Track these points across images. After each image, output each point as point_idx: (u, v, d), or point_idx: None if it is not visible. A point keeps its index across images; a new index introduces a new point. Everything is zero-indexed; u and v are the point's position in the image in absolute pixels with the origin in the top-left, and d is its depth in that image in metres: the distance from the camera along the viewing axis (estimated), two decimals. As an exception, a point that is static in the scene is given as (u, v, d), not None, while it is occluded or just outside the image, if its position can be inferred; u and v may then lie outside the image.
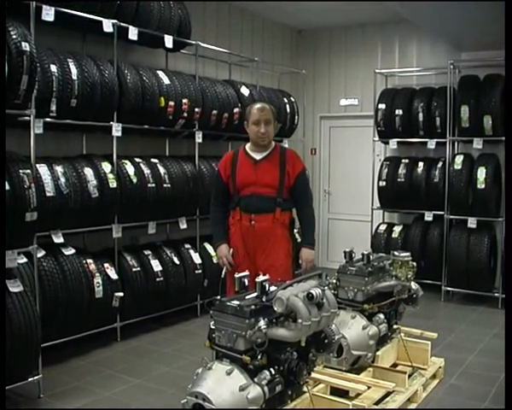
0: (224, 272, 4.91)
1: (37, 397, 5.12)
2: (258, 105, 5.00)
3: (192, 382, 3.52)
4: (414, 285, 5.34)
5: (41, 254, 5.68)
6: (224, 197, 5.11)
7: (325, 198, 11.34)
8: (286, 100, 9.69)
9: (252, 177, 4.93)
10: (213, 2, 9.13)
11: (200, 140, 7.68)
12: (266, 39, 10.57)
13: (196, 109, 7.47)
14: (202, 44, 7.98)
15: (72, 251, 6.00)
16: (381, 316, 5.11)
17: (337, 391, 4.48)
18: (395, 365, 5.38)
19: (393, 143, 9.35)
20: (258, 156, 5.00)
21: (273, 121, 4.98)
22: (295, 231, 5.23)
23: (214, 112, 7.88)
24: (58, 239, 5.83)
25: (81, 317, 5.95)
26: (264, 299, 3.56)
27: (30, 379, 5.03)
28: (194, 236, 7.68)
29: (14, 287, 4.79)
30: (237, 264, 4.91)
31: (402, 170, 9.18)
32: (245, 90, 8.56)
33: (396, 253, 5.31)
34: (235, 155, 5.12)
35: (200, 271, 7.41)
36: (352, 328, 4.89)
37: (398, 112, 9.22)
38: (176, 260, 7.13)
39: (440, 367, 5.53)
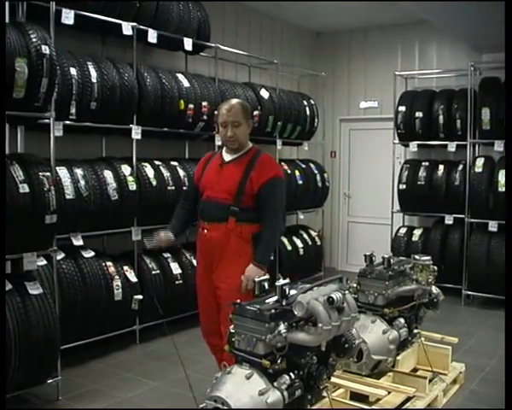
0: (149, 243, 4.62)
1: (56, 399, 5.12)
2: (226, 105, 4.45)
3: (211, 386, 3.50)
4: (435, 289, 5.29)
5: (60, 256, 5.69)
6: (193, 199, 4.65)
7: (345, 201, 11.29)
8: (305, 103, 9.67)
9: (212, 179, 4.45)
10: (232, 4, 9.12)
11: (220, 143, 7.65)
12: (285, 42, 10.55)
13: (215, 112, 7.43)
14: (222, 47, 7.97)
15: (92, 254, 6.01)
16: (402, 320, 5.07)
17: (357, 396, 4.45)
18: (415, 369, 5.34)
19: (413, 145, 9.29)
20: (227, 158, 4.50)
21: (245, 122, 4.42)
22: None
23: (234, 115, 7.84)
24: (77, 242, 5.85)
25: (100, 319, 5.96)
26: (284, 303, 3.53)
27: (49, 381, 5.05)
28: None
29: (34, 289, 4.80)
30: (197, 275, 4.63)
31: (422, 173, 9.12)
32: (264, 93, 8.53)
33: (417, 256, 5.27)
34: (211, 156, 4.70)
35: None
36: (373, 332, 4.85)
37: (419, 114, 9.16)
38: (195, 263, 7.11)
39: (461, 373, 5.47)
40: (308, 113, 9.66)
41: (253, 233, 4.31)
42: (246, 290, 4.12)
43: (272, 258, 4.63)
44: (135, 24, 6.48)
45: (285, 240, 9.04)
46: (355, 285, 5.07)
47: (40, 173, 4.74)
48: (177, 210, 4.77)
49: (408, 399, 4.73)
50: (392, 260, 5.22)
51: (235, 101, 4.56)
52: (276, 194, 4.38)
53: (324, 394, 3.86)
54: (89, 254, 6.00)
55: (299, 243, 9.32)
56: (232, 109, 4.39)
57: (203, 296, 4.54)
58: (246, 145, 4.50)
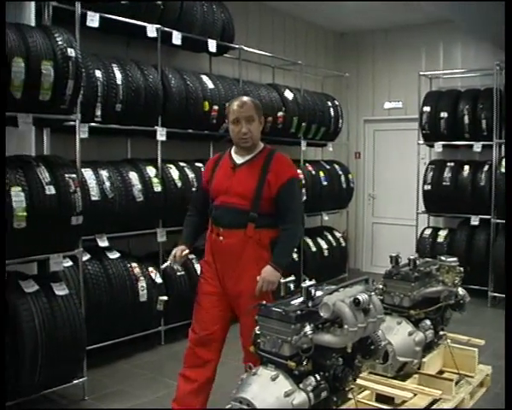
0: (164, 265, 4.43)
1: (82, 399, 5.17)
2: (237, 101, 4.20)
3: (236, 387, 3.50)
4: (461, 291, 5.24)
5: (86, 257, 5.73)
6: (202, 205, 4.39)
7: (369, 202, 11.25)
8: (330, 103, 9.65)
9: (225, 184, 4.16)
10: (256, 5, 9.13)
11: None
12: (309, 43, 10.53)
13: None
14: (246, 48, 7.97)
15: (117, 255, 6.04)
16: (428, 322, 5.02)
17: (382, 398, 4.42)
18: (441, 372, 5.29)
19: (438, 146, 9.23)
20: (239, 160, 4.21)
21: (257, 118, 4.18)
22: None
23: (258, 116, 7.84)
24: (103, 243, 5.88)
25: (125, 320, 5.98)
26: (309, 304, 3.52)
27: (75, 382, 5.09)
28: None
29: (60, 290, 4.84)
30: (202, 282, 4.29)
31: (447, 173, 9.05)
32: (289, 94, 8.53)
33: (443, 258, 5.23)
34: (219, 158, 4.39)
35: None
36: (398, 334, 4.81)
37: (443, 114, 9.10)
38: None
39: (488, 375, 5.41)
40: (332, 114, 9.64)
41: (272, 239, 4.10)
42: (260, 293, 3.95)
43: (291, 260, 4.34)
44: (159, 26, 6.51)
45: (309, 241, 9.04)
46: (381, 287, 5.03)
47: (66, 175, 4.78)
48: (187, 218, 4.49)
49: (434, 401, 4.69)
50: (417, 262, 5.18)
51: (245, 97, 4.36)
52: (295, 196, 4.20)
53: (350, 395, 3.83)
54: (114, 255, 6.03)
55: (324, 245, 9.30)
56: (244, 105, 4.14)
57: (210, 304, 4.20)
58: (258, 145, 4.25)
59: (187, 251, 4.25)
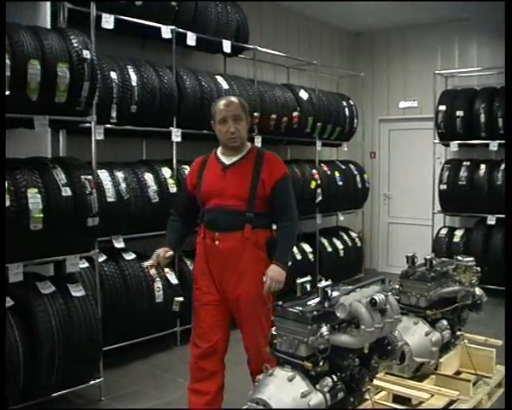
0: (148, 263, 4.16)
1: (99, 400, 5.20)
2: (223, 100, 4.12)
3: (252, 388, 3.49)
4: (478, 291, 5.20)
5: (102, 258, 5.75)
6: (186, 210, 4.30)
7: (385, 202, 11.21)
8: (345, 103, 9.64)
9: (217, 186, 4.05)
10: (270, 5, 9.13)
11: (260, 145, 7.67)
12: (324, 42, 10.52)
13: (255, 114, 7.46)
14: (260, 49, 7.96)
15: (133, 256, 6.06)
16: (445, 322, 4.99)
17: (399, 399, 4.39)
18: (458, 372, 5.24)
19: (454, 145, 9.18)
20: (228, 161, 4.11)
21: (245, 117, 4.11)
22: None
23: (273, 116, 7.87)
24: (119, 244, 5.90)
25: (141, 321, 6.00)
26: (326, 305, 3.51)
27: (91, 382, 5.12)
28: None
29: (76, 291, 4.87)
30: (198, 292, 4.18)
31: (463, 173, 9.00)
32: (304, 94, 8.52)
33: (459, 257, 5.18)
34: (204, 161, 4.24)
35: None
36: (415, 334, 4.77)
37: (459, 113, 9.05)
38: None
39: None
40: (347, 113, 9.62)
41: (267, 239, 4.08)
42: (269, 292, 3.96)
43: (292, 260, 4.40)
44: (174, 27, 6.53)
45: (325, 241, 9.04)
46: (397, 287, 5.01)
47: (82, 177, 4.81)
48: (170, 222, 4.34)
49: (451, 402, 4.66)
50: (434, 262, 5.14)
51: (232, 97, 4.27)
52: (290, 192, 4.15)
53: (366, 396, 3.81)
54: (130, 256, 6.05)
55: (340, 245, 9.29)
56: (231, 104, 4.07)
57: (208, 315, 4.10)
58: (245, 144, 4.18)
59: (171, 253, 4.12)
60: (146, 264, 4.22)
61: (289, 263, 4.17)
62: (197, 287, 4.18)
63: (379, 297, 3.44)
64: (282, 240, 4.11)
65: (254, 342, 4.03)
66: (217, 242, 4.01)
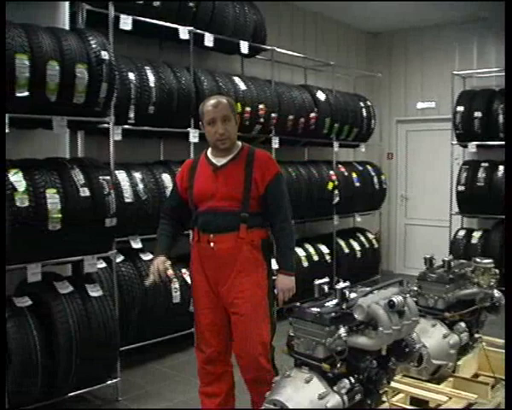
0: (149, 281, 4.13)
1: (115, 400, 5.22)
2: (211, 101, 4.02)
3: (270, 389, 3.49)
4: (496, 293, 5.16)
5: (120, 259, 5.77)
6: (177, 214, 4.25)
7: (402, 203, 11.17)
8: (362, 104, 9.61)
9: (210, 188, 3.97)
10: (287, 6, 9.12)
11: (277, 145, 7.66)
12: (341, 43, 10.50)
13: (273, 115, 7.47)
14: (278, 49, 7.96)
15: (150, 256, 6.05)
16: (463, 324, 4.96)
17: (416, 401, 4.37)
18: (476, 375, 5.21)
19: (472, 146, 9.11)
20: (219, 162, 4.03)
21: (233, 117, 4.03)
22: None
23: (290, 117, 7.86)
24: (136, 245, 5.92)
25: (158, 321, 6.01)
26: (344, 306, 3.50)
27: (108, 382, 5.14)
28: (271, 242, 7.66)
29: (94, 291, 4.88)
30: (196, 297, 4.14)
31: (481, 174, 8.94)
32: (321, 95, 8.51)
33: (478, 259, 5.15)
34: (194, 163, 4.19)
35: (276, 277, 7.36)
36: (433, 337, 4.74)
37: (477, 114, 8.98)
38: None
39: (525, 378, 5.33)
40: (365, 114, 9.59)
41: (263, 239, 4.03)
42: (283, 303, 3.96)
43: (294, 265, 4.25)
44: (192, 28, 6.53)
45: (342, 243, 9.00)
46: (415, 289, 4.98)
47: (100, 177, 4.83)
48: (161, 227, 4.28)
49: (469, 405, 4.63)
50: (452, 263, 5.12)
51: (220, 96, 4.18)
52: (283, 192, 4.07)
53: (384, 398, 3.80)
54: (147, 256, 6.06)
55: (357, 246, 9.25)
56: (219, 105, 3.97)
57: (207, 320, 4.06)
58: (236, 144, 4.10)
59: (169, 262, 4.09)
60: (148, 283, 4.20)
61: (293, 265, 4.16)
62: (194, 292, 4.16)
63: (397, 299, 3.43)
64: (282, 244, 4.07)
65: (248, 348, 3.93)
66: (212, 243, 3.94)
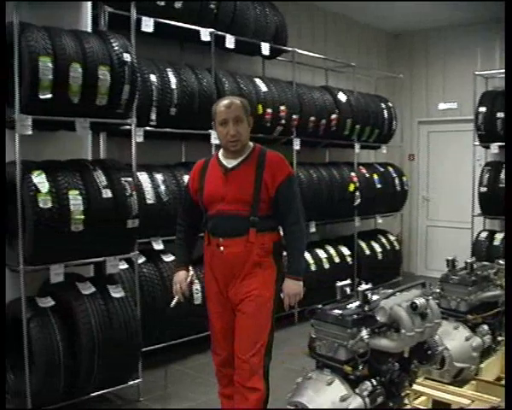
0: (174, 302, 4.07)
1: (137, 400, 5.23)
2: (224, 101, 3.94)
3: (291, 391, 3.49)
4: (520, 294, 5.13)
5: (141, 260, 5.80)
6: (191, 217, 4.15)
7: (424, 205, 11.11)
8: (383, 105, 9.57)
9: (219, 191, 3.89)
10: (308, 7, 9.11)
11: (298, 147, 7.66)
12: (362, 44, 10.46)
13: (294, 116, 7.46)
14: (299, 51, 7.96)
15: (172, 258, 6.08)
16: (485, 327, 4.93)
17: (439, 404, 4.35)
18: (499, 378, 5.17)
19: (495, 147, 9.02)
20: (230, 164, 3.93)
21: (246, 119, 3.92)
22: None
23: (312, 118, 7.85)
24: (158, 246, 5.93)
25: (179, 323, 6.01)
26: (366, 308, 3.49)
27: (130, 383, 5.15)
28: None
29: (116, 292, 4.90)
30: (208, 300, 4.14)
31: (504, 175, 8.86)
32: (342, 96, 8.49)
33: (501, 261, 5.12)
34: (205, 165, 4.08)
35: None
36: (455, 339, 4.73)
37: (500, 115, 8.90)
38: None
39: (548, 381, 5.28)
40: (386, 115, 9.55)
41: (274, 242, 3.91)
42: (289, 308, 3.90)
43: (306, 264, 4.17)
44: (213, 30, 6.55)
45: (363, 244, 8.98)
46: (438, 291, 4.96)
47: (122, 179, 4.84)
48: (177, 235, 4.23)
49: (493, 408, 4.59)
50: (475, 265, 5.09)
51: (233, 97, 4.09)
52: (295, 194, 3.93)
53: (406, 401, 3.79)
54: (169, 258, 6.08)
55: (378, 248, 9.22)
56: (232, 105, 3.88)
57: (222, 321, 4.02)
58: (247, 145, 3.98)
59: (189, 277, 4.09)
60: (173, 304, 4.09)
61: (303, 270, 4.01)
62: (207, 295, 4.15)
63: (419, 301, 3.42)
64: (291, 248, 3.93)
65: (243, 348, 3.83)
66: (221, 247, 3.87)
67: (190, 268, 4.19)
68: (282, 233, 4.02)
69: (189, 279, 4.06)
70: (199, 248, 6.76)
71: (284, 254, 4.00)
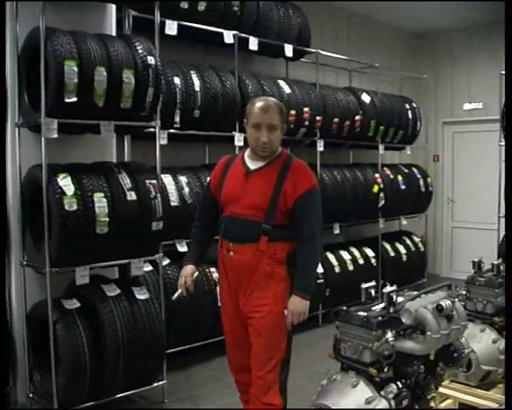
0: (176, 295, 3.93)
1: (162, 402, 5.25)
2: (260, 103, 3.68)
3: (316, 393, 3.48)
4: (548, 297, 5.07)
5: (166, 262, 5.81)
6: (210, 214, 3.98)
7: (449, 206, 11.03)
8: (407, 106, 9.51)
9: (236, 192, 3.71)
10: (331, 8, 9.09)
11: (322, 148, 7.64)
12: (385, 44, 10.40)
13: (317, 118, 7.45)
14: (322, 52, 7.94)
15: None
16: (513, 329, 4.88)
17: (465, 407, 4.31)
18: (527, 381, 5.12)
19: (521, 147, 8.96)
20: (253, 166, 3.75)
21: (280, 126, 3.71)
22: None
23: (335, 120, 7.83)
24: (182, 248, 5.94)
25: (203, 324, 6.02)
26: (391, 310, 3.47)
27: (155, 384, 5.17)
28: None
29: (141, 294, 4.92)
30: (222, 303, 3.99)
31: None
32: (366, 98, 8.46)
33: (528, 263, 5.07)
34: (229, 162, 3.90)
35: (321, 280, 7.36)
36: (482, 341, 4.68)
37: (527, 114, 8.82)
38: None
39: None
40: (410, 116, 9.50)
41: (288, 252, 3.66)
42: (291, 326, 3.63)
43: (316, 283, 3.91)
44: (236, 32, 6.56)
45: (388, 246, 8.94)
46: (464, 293, 4.91)
47: (147, 181, 4.86)
48: (194, 231, 4.09)
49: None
50: (501, 267, 5.04)
51: (270, 99, 3.83)
52: (314, 210, 3.68)
53: (432, 404, 3.76)
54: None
55: (402, 249, 9.17)
56: (269, 110, 3.64)
57: (231, 327, 3.90)
58: (276, 151, 3.80)
59: (196, 274, 3.95)
60: (175, 297, 3.96)
61: (313, 288, 3.73)
62: (221, 298, 3.99)
63: (445, 303, 3.39)
64: (302, 264, 3.65)
65: (258, 364, 3.68)
66: (231, 253, 3.71)
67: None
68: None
69: (195, 275, 3.92)
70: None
71: None
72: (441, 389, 4.07)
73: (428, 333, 3.33)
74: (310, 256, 3.66)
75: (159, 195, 4.92)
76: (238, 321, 3.82)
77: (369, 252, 8.56)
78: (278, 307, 3.61)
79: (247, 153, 3.85)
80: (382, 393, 3.36)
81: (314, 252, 3.68)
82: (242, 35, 6.66)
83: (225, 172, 3.84)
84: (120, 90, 4.63)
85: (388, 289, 3.55)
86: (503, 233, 9.17)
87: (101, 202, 4.51)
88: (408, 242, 9.46)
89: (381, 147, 8.85)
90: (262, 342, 3.64)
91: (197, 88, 6.11)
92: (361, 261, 8.28)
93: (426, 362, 3.55)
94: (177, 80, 5.95)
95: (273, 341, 3.64)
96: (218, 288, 5.82)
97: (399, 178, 9.10)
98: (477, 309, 4.87)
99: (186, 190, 5.96)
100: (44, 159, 4.39)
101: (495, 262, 5.02)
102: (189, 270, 3.91)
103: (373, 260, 8.51)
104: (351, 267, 8.04)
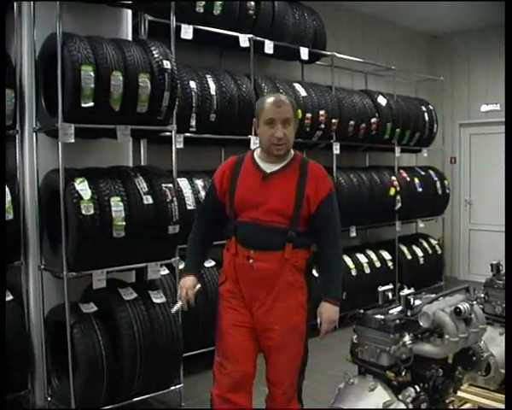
0: (175, 308, 3.70)
1: (179, 406, 5.25)
2: (272, 98, 3.52)
3: (333, 397, 3.47)
4: None
5: (182, 266, 5.80)
6: (212, 220, 3.78)
7: (466, 208, 10.97)
8: (424, 108, 9.47)
9: (257, 197, 3.49)
10: (346, 10, 9.09)
11: (338, 151, 7.63)
12: (401, 46, 10.37)
13: (333, 120, 7.44)
14: (338, 55, 7.93)
15: (212, 263, 6.10)
16: (532, 332, 4.84)
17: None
18: (547, 385, 5.07)
19: (539, 149, 8.90)
20: (269, 168, 3.54)
21: (294, 121, 3.53)
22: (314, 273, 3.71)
23: (351, 123, 7.81)
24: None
25: (221, 328, 6.02)
26: (408, 313, 3.45)
27: (172, 388, 5.16)
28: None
29: (158, 298, 4.92)
30: (223, 309, 3.68)
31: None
32: (382, 100, 8.43)
33: (547, 265, 5.02)
34: (237, 164, 3.65)
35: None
36: (501, 345, 4.62)
37: (545, 116, 8.76)
38: (315, 272, 7.07)
39: None
40: (427, 118, 9.45)
41: (307, 259, 3.55)
42: (326, 334, 3.53)
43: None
44: (252, 36, 6.57)
45: (405, 249, 8.90)
46: (482, 295, 4.88)
47: (163, 185, 4.87)
48: (191, 243, 3.87)
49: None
50: (520, 269, 5.00)
51: (282, 95, 3.70)
52: (335, 213, 3.58)
53: (450, 408, 3.74)
54: (209, 263, 6.09)
55: (419, 252, 9.13)
56: (282, 104, 3.48)
57: (241, 337, 3.57)
58: (290, 152, 3.61)
59: (198, 286, 3.70)
60: (174, 310, 3.78)
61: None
62: (228, 305, 3.62)
63: (464, 306, 3.37)
64: (332, 271, 3.58)
65: (280, 378, 3.53)
66: (251, 260, 3.46)
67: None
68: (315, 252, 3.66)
69: (196, 288, 3.67)
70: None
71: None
72: (460, 393, 4.04)
73: (446, 336, 3.31)
74: (337, 262, 3.61)
75: (175, 198, 4.93)
76: (253, 333, 3.57)
77: (386, 255, 8.52)
78: (299, 316, 3.52)
79: (256, 154, 3.64)
80: (400, 397, 3.34)
81: (340, 257, 3.66)
82: (258, 38, 6.66)
83: (235, 175, 3.61)
84: (136, 95, 4.64)
85: (406, 292, 3.54)
86: (521, 235, 9.11)
87: (117, 206, 4.52)
88: (425, 244, 9.42)
89: (397, 149, 8.81)
90: (284, 358, 3.50)
91: (213, 92, 6.12)
92: (378, 264, 8.26)
93: (444, 366, 3.53)
94: (192, 84, 5.96)
95: (293, 354, 3.54)
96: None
97: (416, 180, 9.06)
98: (496, 312, 4.83)
99: (202, 193, 5.96)
100: (61, 163, 4.41)
101: (513, 265, 4.97)
102: (189, 282, 3.66)
103: (390, 263, 8.48)
104: (367, 270, 8.02)
